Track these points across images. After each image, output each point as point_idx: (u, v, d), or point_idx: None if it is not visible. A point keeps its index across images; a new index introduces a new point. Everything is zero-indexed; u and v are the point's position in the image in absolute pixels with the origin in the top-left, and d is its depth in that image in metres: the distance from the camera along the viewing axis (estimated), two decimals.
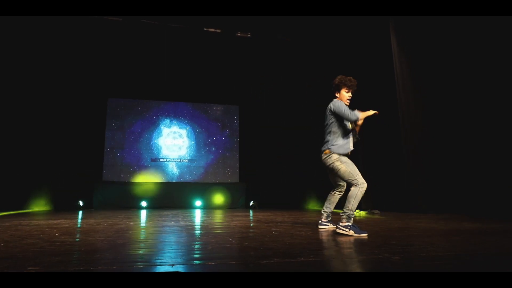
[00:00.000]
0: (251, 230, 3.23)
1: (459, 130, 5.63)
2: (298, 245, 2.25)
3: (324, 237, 2.72)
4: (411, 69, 6.35)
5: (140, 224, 4.04)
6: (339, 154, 3.07)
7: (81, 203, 7.92)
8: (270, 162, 9.46)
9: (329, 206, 3.37)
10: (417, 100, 6.26)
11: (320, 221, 3.38)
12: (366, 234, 2.81)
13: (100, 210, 7.37)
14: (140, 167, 8.83)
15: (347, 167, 3.01)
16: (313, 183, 8.63)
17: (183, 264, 1.65)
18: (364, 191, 2.95)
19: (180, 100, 9.42)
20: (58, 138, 8.06)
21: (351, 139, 3.18)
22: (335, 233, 2.92)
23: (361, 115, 3.09)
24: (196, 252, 2.03)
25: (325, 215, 3.36)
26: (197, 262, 1.72)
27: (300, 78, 9.18)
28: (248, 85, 9.45)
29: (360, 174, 3.00)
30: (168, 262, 1.69)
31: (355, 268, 1.57)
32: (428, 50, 6.15)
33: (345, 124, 3.15)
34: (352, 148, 3.16)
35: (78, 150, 8.23)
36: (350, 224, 2.87)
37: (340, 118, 3.13)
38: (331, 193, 3.40)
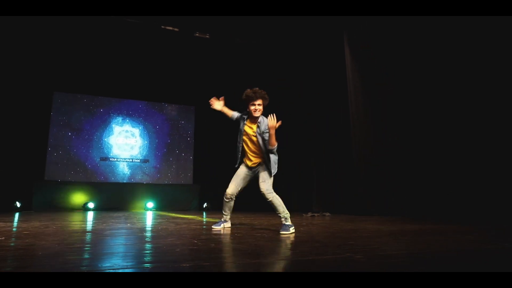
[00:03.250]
0: (213, 232, 3.24)
1: (401, 140, 6.14)
2: (265, 246, 2.33)
3: (287, 238, 2.83)
4: (363, 79, 6.79)
5: (93, 226, 3.85)
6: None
7: (18, 204, 7.28)
8: (224, 165, 9.46)
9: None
10: (366, 109, 6.71)
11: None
12: None
13: (41, 212, 6.84)
14: (88, 166, 8.35)
15: None
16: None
17: (159, 266, 1.64)
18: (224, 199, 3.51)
19: (134, 98, 9.08)
20: None
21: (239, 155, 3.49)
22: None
23: None
24: (166, 254, 2.02)
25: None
26: (171, 264, 1.72)
27: (256, 81, 9.31)
28: (205, 86, 9.40)
29: (230, 183, 3.47)
30: (143, 264, 1.67)
31: (325, 267, 1.68)
32: (377, 59, 6.63)
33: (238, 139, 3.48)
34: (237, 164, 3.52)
35: (15, 146, 7.55)
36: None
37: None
38: None
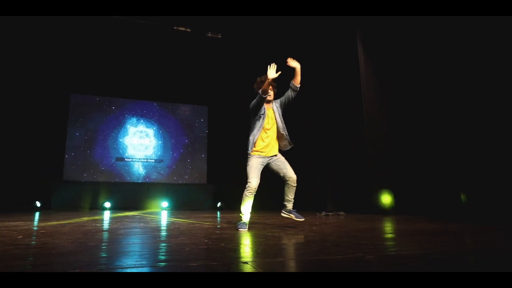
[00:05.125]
0: (225, 232, 3.24)
1: (417, 138, 5.99)
2: (275, 246, 2.30)
3: (298, 238, 2.80)
4: (376, 77, 6.67)
5: (108, 226, 3.91)
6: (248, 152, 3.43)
7: (38, 204, 7.48)
8: (237, 164, 9.46)
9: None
10: (381, 106, 6.58)
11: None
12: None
13: (59, 212, 7.01)
14: (104, 166, 8.51)
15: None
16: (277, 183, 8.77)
17: (167, 265, 1.64)
18: (247, 194, 3.31)
19: (148, 99, 9.19)
20: (12, 134, 7.57)
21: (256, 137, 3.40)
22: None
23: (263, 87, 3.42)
24: (175, 253, 2.02)
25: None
26: (179, 263, 1.71)
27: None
28: (217, 85, 9.43)
29: (252, 176, 3.30)
30: (150, 264, 1.67)
31: (333, 267, 1.64)
32: (391, 56, 6.49)
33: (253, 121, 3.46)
34: (251, 150, 3.39)
35: (35, 148, 7.77)
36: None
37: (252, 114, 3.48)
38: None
